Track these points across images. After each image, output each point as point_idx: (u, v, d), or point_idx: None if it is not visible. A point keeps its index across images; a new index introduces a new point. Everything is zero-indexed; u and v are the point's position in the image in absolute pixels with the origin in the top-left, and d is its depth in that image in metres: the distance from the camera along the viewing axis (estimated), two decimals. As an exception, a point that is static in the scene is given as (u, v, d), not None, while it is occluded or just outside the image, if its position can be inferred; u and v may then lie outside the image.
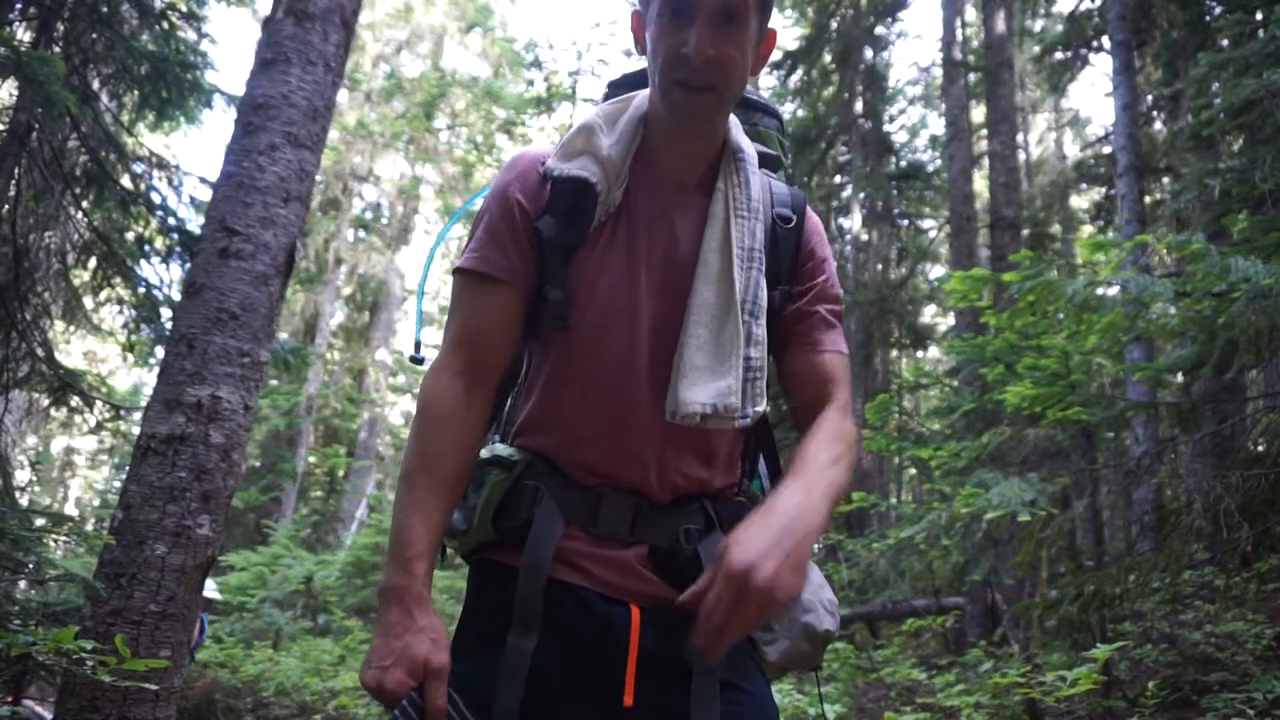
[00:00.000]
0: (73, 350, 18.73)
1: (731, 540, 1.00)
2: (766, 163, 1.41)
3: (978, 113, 14.93)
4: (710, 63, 1.15)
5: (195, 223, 5.35)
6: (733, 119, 1.32)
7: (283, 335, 12.18)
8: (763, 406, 1.21)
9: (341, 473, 18.95)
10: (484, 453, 1.25)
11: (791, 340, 1.29)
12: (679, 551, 1.19)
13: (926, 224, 16.54)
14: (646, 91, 1.28)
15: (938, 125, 17.69)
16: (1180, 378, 6.07)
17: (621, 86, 1.42)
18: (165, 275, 8.15)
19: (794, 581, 0.99)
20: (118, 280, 5.45)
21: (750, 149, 1.31)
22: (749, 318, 1.20)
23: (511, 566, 1.17)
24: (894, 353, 17.10)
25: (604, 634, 1.15)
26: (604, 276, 1.21)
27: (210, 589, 6.71)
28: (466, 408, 1.20)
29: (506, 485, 1.20)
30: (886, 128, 15.57)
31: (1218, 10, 7.54)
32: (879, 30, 14.53)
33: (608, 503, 1.19)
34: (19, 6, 4.90)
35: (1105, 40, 10.97)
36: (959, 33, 13.12)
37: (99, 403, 5.52)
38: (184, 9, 5.58)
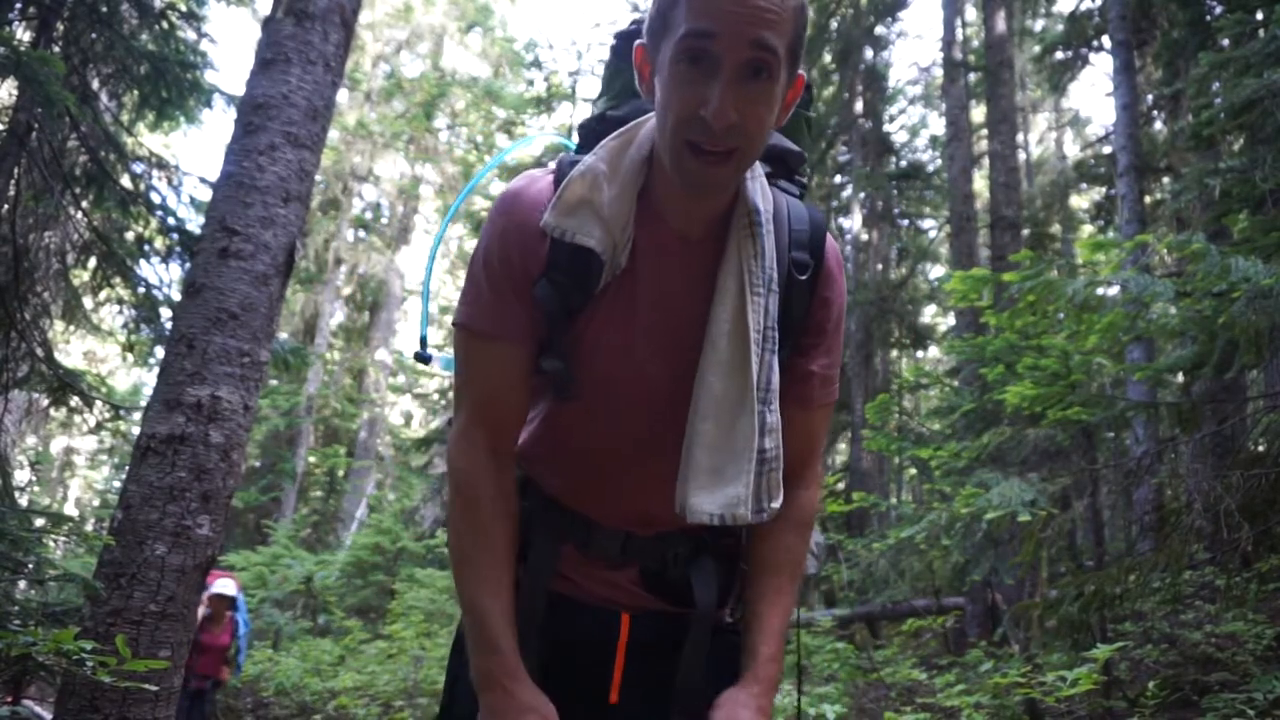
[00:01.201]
0: (73, 350, 18.73)
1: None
2: (789, 162, 1.28)
3: (978, 113, 14.93)
4: (733, 128, 0.99)
5: (195, 223, 5.36)
6: None
7: (283, 335, 12.18)
8: (779, 500, 1.11)
9: (341, 473, 18.96)
10: None
11: (786, 393, 1.19)
12: (668, 573, 1.20)
13: (926, 224, 16.55)
14: (653, 123, 1.12)
15: (938, 125, 17.70)
16: (1180, 378, 6.07)
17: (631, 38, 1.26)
18: (165, 275, 8.17)
19: None
20: (118, 280, 5.45)
21: (766, 203, 1.15)
22: (761, 406, 1.09)
23: None
24: (894, 353, 17.10)
25: (595, 637, 1.19)
26: (605, 343, 1.13)
27: (229, 587, 6.43)
28: (500, 478, 1.15)
29: None
30: (886, 128, 15.57)
31: (1218, 10, 7.54)
32: (879, 30, 14.52)
33: (598, 532, 1.20)
34: (19, 6, 4.90)
35: (1105, 40, 10.97)
36: (959, 33, 13.12)
37: (99, 403, 5.52)
38: (184, 9, 5.57)
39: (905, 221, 16.40)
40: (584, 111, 16.73)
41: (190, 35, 5.59)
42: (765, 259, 1.11)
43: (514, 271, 1.12)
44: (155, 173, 5.45)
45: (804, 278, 1.16)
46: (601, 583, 1.20)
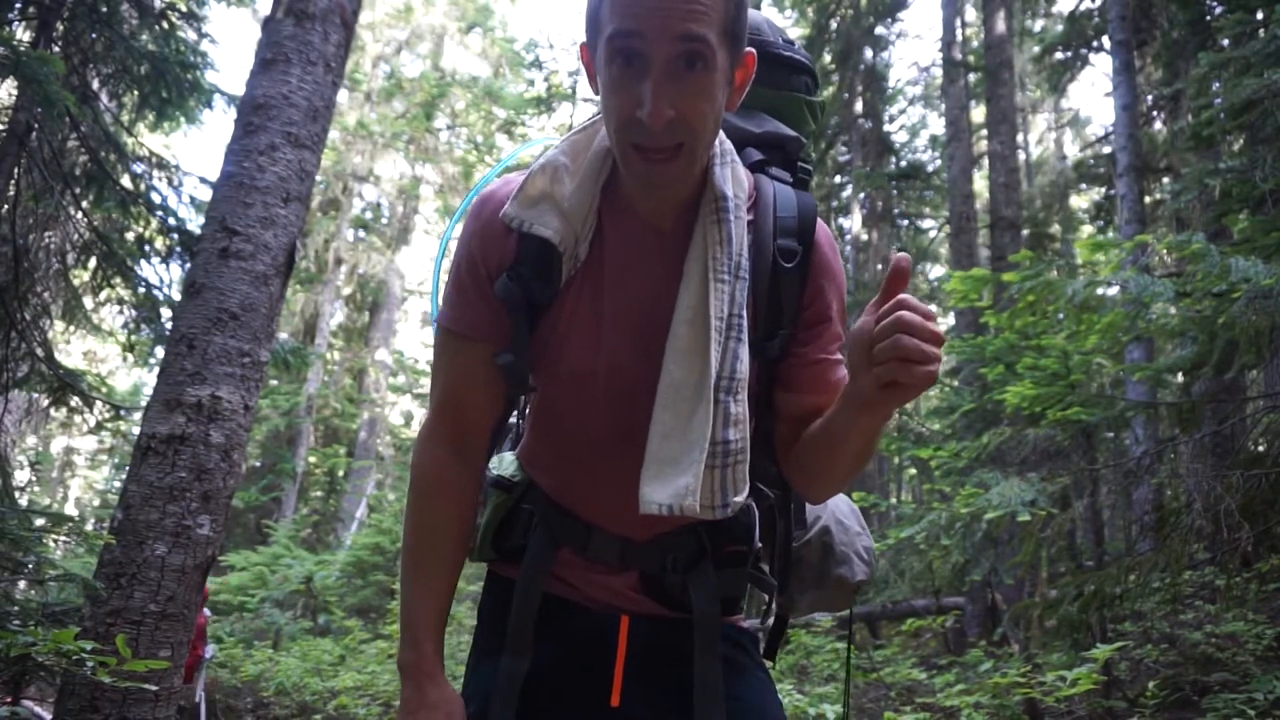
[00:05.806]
0: (73, 350, 18.72)
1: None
2: (788, 148, 1.26)
3: (978, 113, 14.93)
4: (672, 124, 0.97)
5: (195, 223, 5.35)
6: (720, 137, 1.12)
7: (283, 335, 12.17)
8: (744, 494, 1.07)
9: (341, 473, 18.95)
10: (492, 464, 1.28)
11: (796, 385, 1.17)
12: (667, 579, 1.19)
13: (926, 224, 16.56)
14: None
15: (938, 125, 17.71)
16: (1180, 378, 6.06)
17: None
18: (165, 275, 8.16)
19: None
20: (118, 280, 5.45)
21: (738, 189, 1.12)
22: (725, 396, 1.05)
23: (513, 580, 1.21)
24: (894, 353, 17.06)
25: (594, 639, 1.19)
26: (572, 337, 1.13)
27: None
28: (458, 476, 1.18)
29: (506, 508, 1.23)
30: (886, 128, 15.57)
31: (1218, 10, 7.54)
32: (879, 30, 14.52)
33: (597, 535, 1.19)
34: (19, 6, 4.90)
35: (1105, 40, 10.96)
36: (959, 33, 13.12)
37: (99, 403, 5.52)
38: (184, 9, 5.57)
39: (905, 221, 16.41)
40: (584, 111, 16.75)
41: (190, 35, 5.59)
42: (731, 245, 1.07)
43: (480, 273, 1.14)
44: (155, 173, 5.44)
45: (791, 265, 1.12)
46: (600, 587, 1.20)
